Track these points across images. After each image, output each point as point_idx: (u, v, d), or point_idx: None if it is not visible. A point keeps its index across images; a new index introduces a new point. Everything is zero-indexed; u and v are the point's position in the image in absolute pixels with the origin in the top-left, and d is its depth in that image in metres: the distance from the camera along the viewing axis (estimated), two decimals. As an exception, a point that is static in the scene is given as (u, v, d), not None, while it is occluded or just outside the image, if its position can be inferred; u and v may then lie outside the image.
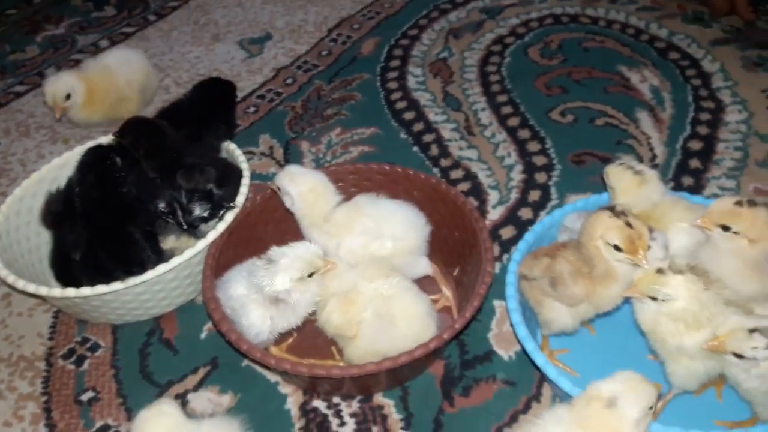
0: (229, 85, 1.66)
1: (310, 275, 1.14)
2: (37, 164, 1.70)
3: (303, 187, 1.27)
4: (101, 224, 1.30)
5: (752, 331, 0.97)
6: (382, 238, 1.24)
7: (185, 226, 1.32)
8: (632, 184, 1.21)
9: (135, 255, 1.27)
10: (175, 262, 1.24)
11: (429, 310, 1.18)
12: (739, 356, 0.98)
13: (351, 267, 1.23)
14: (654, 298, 1.04)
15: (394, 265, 1.24)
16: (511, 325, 1.14)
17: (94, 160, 1.41)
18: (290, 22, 2.26)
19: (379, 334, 1.14)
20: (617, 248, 1.06)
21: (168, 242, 1.37)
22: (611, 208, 1.09)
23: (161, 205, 1.32)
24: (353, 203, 1.30)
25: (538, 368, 1.10)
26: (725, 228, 1.08)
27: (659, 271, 1.04)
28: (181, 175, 1.34)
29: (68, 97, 1.70)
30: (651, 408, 0.92)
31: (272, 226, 1.38)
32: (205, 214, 1.32)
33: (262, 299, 1.14)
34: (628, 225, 1.05)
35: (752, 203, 1.08)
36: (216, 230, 1.29)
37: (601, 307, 1.13)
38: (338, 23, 2.23)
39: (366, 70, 2.02)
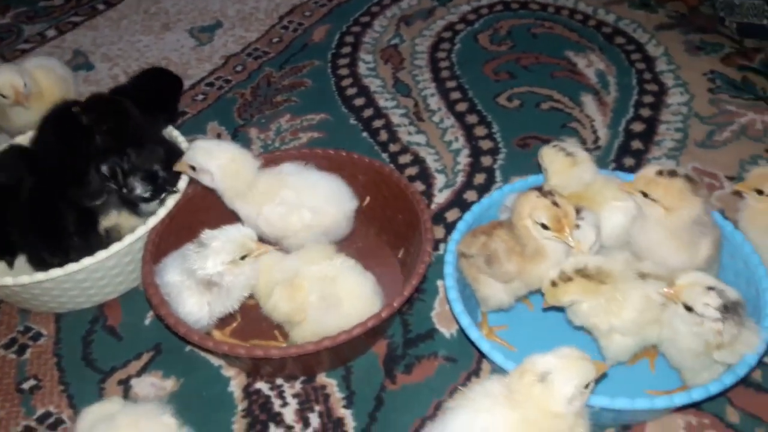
0: (176, 80, 1.65)
1: (243, 258, 1.15)
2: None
3: (223, 159, 1.25)
4: (35, 200, 1.30)
5: (710, 288, 1.01)
6: (302, 209, 1.25)
7: (124, 191, 1.30)
8: (564, 165, 1.24)
9: (60, 239, 1.27)
10: (114, 248, 1.24)
11: (374, 289, 1.19)
12: (689, 309, 1.01)
13: (291, 254, 1.24)
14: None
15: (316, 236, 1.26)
16: (448, 302, 1.16)
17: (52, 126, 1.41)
18: (241, 10, 2.24)
19: (324, 315, 1.15)
20: (544, 227, 1.09)
21: (110, 219, 1.36)
22: (539, 189, 1.12)
23: (103, 168, 1.31)
24: (277, 171, 1.30)
25: (472, 343, 1.12)
26: (645, 194, 1.12)
27: (553, 284, 1.09)
28: (131, 151, 1.33)
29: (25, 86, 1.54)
30: (587, 387, 0.92)
31: (214, 211, 1.37)
32: (146, 195, 1.31)
33: (196, 286, 1.14)
34: (555, 204, 1.08)
35: (672, 173, 1.11)
36: (157, 215, 1.29)
37: (532, 284, 1.16)
38: (290, 10, 2.22)
39: (317, 56, 2.02)
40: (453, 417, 0.95)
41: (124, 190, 1.31)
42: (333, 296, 1.15)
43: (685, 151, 1.65)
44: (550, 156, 1.25)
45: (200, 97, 1.90)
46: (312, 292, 1.15)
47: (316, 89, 1.90)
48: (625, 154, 1.64)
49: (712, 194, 1.53)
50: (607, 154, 1.64)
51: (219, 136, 1.76)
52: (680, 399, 1.01)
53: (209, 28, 2.18)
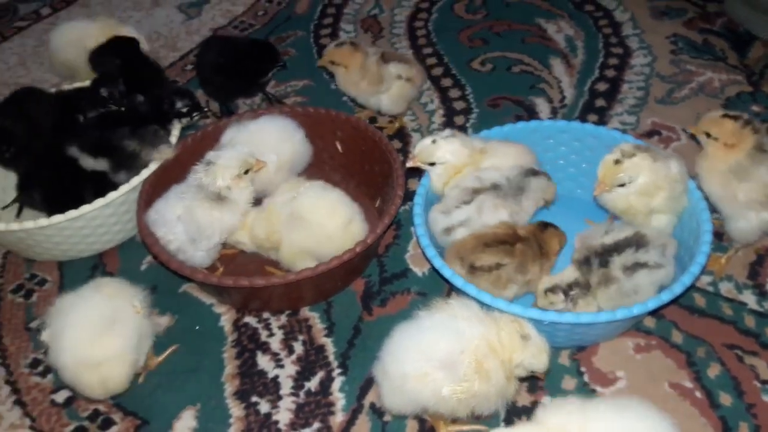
0: None
1: (246, 172, 1.30)
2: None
3: None
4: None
5: (547, 291, 1.20)
6: (265, 155, 1.36)
7: (121, 107, 1.48)
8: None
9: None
10: (111, 197, 1.35)
11: (339, 198, 1.32)
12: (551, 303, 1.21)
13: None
14: (622, 185, 1.23)
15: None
16: (421, 248, 1.26)
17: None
18: (228, -14, 2.34)
19: (293, 231, 1.29)
20: None
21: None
22: None
23: (102, 91, 1.48)
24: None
25: (448, 282, 1.22)
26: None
27: (617, 162, 1.22)
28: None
29: None
30: (530, 372, 1.07)
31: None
32: (184, 110, 1.51)
33: (207, 204, 1.27)
34: None
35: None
36: (149, 168, 1.40)
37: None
38: (274, -15, 2.32)
39: (300, 27, 2.12)
40: (430, 317, 1.07)
41: (120, 104, 1.49)
42: (297, 212, 1.29)
43: (646, 108, 1.75)
44: None
45: (189, 67, 2.00)
46: (282, 213, 1.30)
47: (299, 58, 2.00)
48: (589, 111, 1.75)
49: (670, 146, 1.64)
50: (572, 111, 1.75)
51: (208, 102, 1.86)
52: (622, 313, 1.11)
53: (197, 4, 2.27)
